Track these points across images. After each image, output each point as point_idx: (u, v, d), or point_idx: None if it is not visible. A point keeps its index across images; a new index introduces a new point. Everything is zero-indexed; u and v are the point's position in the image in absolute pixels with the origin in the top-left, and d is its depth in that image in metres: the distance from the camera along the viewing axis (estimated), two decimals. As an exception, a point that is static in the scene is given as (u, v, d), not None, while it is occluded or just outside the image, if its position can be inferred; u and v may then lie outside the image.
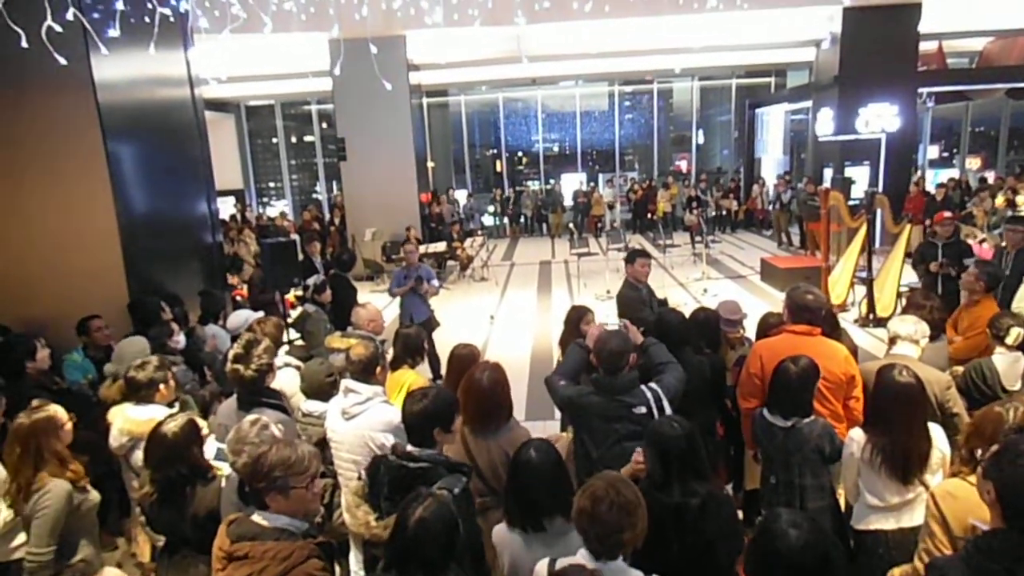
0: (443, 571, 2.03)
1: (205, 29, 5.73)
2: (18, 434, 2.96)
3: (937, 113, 20.48)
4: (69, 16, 4.12)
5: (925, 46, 15.05)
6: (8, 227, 5.33)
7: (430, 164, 19.18)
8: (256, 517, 2.27)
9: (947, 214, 7.56)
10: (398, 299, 7.47)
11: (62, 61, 4.21)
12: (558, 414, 3.54)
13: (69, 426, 3.06)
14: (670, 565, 2.35)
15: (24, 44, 3.92)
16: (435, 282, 7.67)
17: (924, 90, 15.84)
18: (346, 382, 3.35)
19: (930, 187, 15.22)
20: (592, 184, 21.55)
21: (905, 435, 2.76)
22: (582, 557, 2.14)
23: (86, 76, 5.22)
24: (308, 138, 24.32)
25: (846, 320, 8.33)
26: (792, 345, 3.41)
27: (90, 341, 4.89)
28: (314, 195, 24.33)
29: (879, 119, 12.65)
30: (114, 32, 4.62)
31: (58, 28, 4.03)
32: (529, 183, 24.12)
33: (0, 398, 3.31)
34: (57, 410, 3.05)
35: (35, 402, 3.10)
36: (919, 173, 18.19)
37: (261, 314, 5.76)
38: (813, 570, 1.77)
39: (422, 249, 12.74)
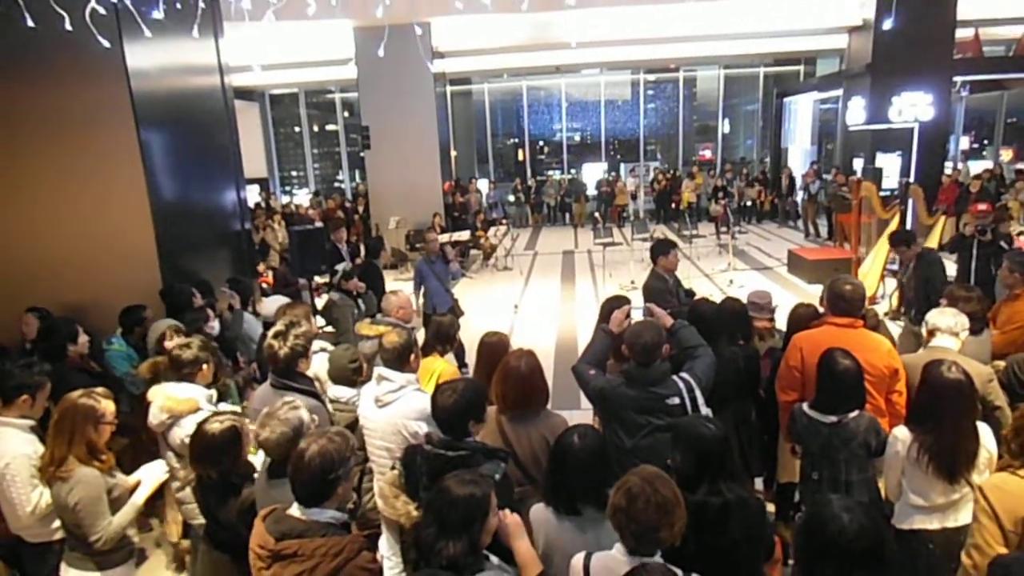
0: (456, 537, 2.02)
1: (241, 14, 5.72)
2: (61, 407, 3.00)
3: (969, 103, 20.01)
4: (109, 1, 4.13)
5: (961, 33, 14.70)
6: (44, 215, 5.41)
7: (453, 153, 19.17)
8: (295, 511, 2.22)
9: (982, 206, 7.40)
10: (421, 287, 7.48)
11: (105, 44, 4.23)
12: (584, 403, 3.52)
13: (108, 426, 3.06)
14: (691, 565, 2.29)
15: (68, 27, 3.94)
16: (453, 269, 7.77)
17: (959, 79, 15.49)
18: (379, 370, 3.35)
19: (967, 178, 14.91)
20: (615, 174, 21.38)
21: (953, 433, 2.69)
22: (618, 552, 2.11)
23: (120, 64, 5.25)
24: (331, 127, 24.41)
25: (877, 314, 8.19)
26: (834, 337, 3.34)
27: (142, 331, 4.89)
28: (336, 184, 24.43)
29: (913, 108, 12.39)
30: (158, 14, 4.63)
31: (102, 11, 4.05)
32: (551, 172, 24.00)
33: (46, 382, 3.35)
34: (108, 407, 3.06)
35: (99, 390, 3.11)
36: (952, 164, 17.82)
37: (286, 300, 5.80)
38: (865, 556, 1.72)
39: (445, 238, 12.75)
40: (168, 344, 4.16)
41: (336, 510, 2.26)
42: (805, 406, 3.13)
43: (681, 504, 2.10)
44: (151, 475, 3.23)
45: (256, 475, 2.92)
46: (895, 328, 8.09)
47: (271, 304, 5.85)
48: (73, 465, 2.94)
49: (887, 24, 11.79)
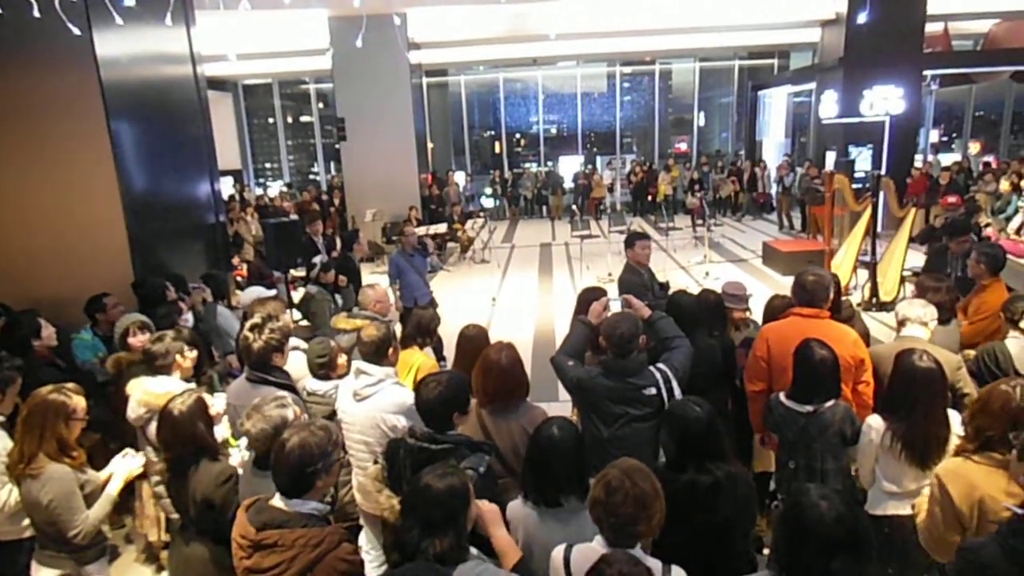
0: (443, 534, 2.02)
1: (215, 2, 5.63)
2: (31, 403, 2.95)
3: (938, 96, 20.36)
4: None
5: (931, 28, 14.93)
6: (12, 206, 5.29)
7: (429, 145, 19.06)
8: (277, 502, 2.23)
9: (952, 199, 7.54)
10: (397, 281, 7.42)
11: (76, 31, 4.13)
12: (563, 395, 3.54)
13: (79, 422, 3.02)
14: (682, 546, 2.32)
15: (36, 14, 3.84)
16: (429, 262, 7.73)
17: (929, 72, 15.73)
18: (357, 363, 3.33)
19: (937, 171, 15.17)
20: (591, 166, 21.43)
21: (925, 421, 2.75)
22: (598, 544, 2.13)
23: (89, 53, 5.14)
24: (305, 118, 24.12)
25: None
26: (800, 328, 3.38)
27: (105, 319, 4.85)
28: (311, 176, 24.18)
29: (884, 102, 12.52)
30: (129, 1, 4.53)
31: (69, -1, 3.96)
32: (528, 165, 23.99)
33: (16, 376, 3.28)
34: (79, 403, 3.02)
35: (69, 385, 3.06)
36: (923, 157, 18.12)
37: (274, 292, 5.74)
38: (843, 544, 1.74)
39: (422, 230, 12.70)
40: (132, 340, 4.11)
41: (321, 502, 2.27)
42: (782, 396, 3.16)
43: (660, 497, 2.11)
44: (124, 466, 3.18)
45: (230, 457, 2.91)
46: (866, 319, 8.25)
47: (249, 296, 5.79)
48: (43, 462, 2.89)
49: (862, 18, 11.91)
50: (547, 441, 2.46)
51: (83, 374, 4.40)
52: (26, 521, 3.08)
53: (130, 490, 4.09)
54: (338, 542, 2.16)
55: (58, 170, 5.30)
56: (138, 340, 4.10)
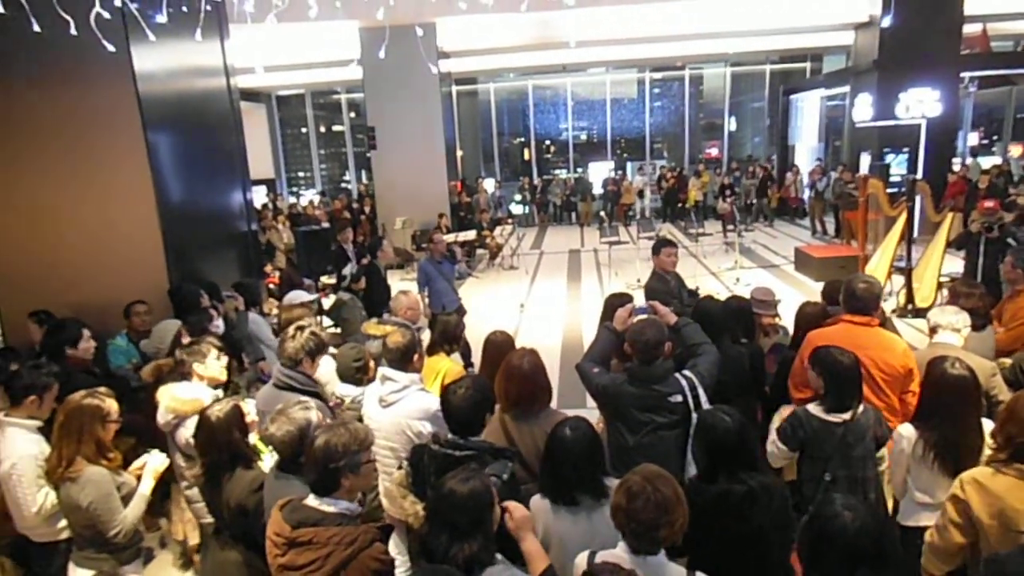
0: (471, 538, 2.04)
1: (243, 16, 5.75)
2: (66, 409, 3.03)
3: (977, 98, 19.88)
4: (116, 2, 4.16)
5: (968, 28, 14.61)
6: (53, 217, 5.44)
7: (459, 152, 19.18)
8: (312, 501, 2.28)
9: (989, 203, 7.35)
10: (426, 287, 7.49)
11: (110, 48, 4.26)
12: (591, 402, 3.54)
13: (114, 424, 3.10)
14: (718, 557, 2.31)
15: (73, 31, 3.96)
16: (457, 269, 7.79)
17: (967, 74, 15.39)
18: (383, 370, 3.37)
19: (975, 174, 14.81)
20: (621, 172, 21.36)
21: (957, 429, 2.70)
22: (621, 550, 2.12)
23: (127, 67, 5.28)
24: (337, 127, 24.48)
25: (884, 311, 8.18)
26: (850, 336, 3.32)
27: (130, 325, 4.99)
28: (343, 184, 24.50)
29: (920, 104, 12.27)
30: (161, 18, 4.66)
31: (107, 15, 4.08)
32: (557, 171, 23.99)
33: (53, 383, 3.38)
34: (112, 406, 3.10)
35: (101, 389, 3.16)
36: (960, 160, 17.70)
37: (314, 296, 5.81)
38: (867, 555, 1.72)
39: (451, 238, 12.78)
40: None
41: (353, 503, 2.33)
42: (811, 408, 3.04)
43: (683, 502, 2.10)
44: (151, 465, 3.25)
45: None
46: (902, 326, 8.07)
47: (289, 299, 5.89)
48: (81, 465, 2.97)
49: (885, 22, 11.71)
50: (559, 441, 2.49)
51: (118, 380, 4.51)
52: (62, 523, 3.17)
53: (165, 493, 4.19)
54: (371, 541, 2.20)
55: (98, 182, 5.45)
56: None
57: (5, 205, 5.42)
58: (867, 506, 1.83)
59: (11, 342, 5.27)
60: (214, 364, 3.67)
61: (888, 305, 8.90)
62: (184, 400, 3.49)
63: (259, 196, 17.72)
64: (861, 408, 2.98)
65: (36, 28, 3.92)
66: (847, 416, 2.94)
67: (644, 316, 3.49)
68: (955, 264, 8.73)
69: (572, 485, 2.45)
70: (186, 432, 3.40)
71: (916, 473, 2.84)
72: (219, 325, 4.96)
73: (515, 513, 2.26)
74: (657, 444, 3.05)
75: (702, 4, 14.72)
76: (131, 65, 5.30)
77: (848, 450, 2.95)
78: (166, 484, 4.05)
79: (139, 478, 3.20)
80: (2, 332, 5.60)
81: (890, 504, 3.20)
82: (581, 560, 2.22)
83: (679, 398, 3.07)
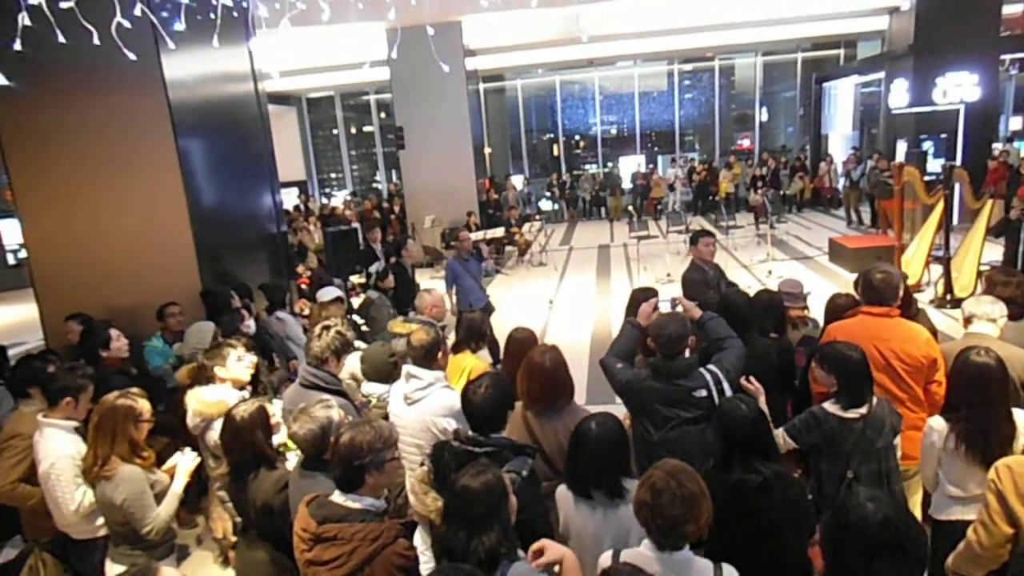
0: (489, 529, 2.03)
1: (265, 20, 5.84)
2: (100, 409, 3.11)
3: (1019, 81, 19.22)
4: (137, 12, 4.24)
5: (1009, 9, 14.14)
6: (88, 221, 5.61)
7: (487, 150, 19.21)
8: (337, 498, 2.31)
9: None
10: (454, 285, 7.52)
11: (131, 56, 4.35)
12: (619, 398, 3.53)
13: (147, 423, 3.18)
14: (733, 548, 2.28)
15: (96, 41, 4.06)
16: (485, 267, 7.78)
17: (1007, 56, 14.91)
18: (408, 368, 3.39)
19: (1015, 160, 14.34)
20: (651, 166, 21.16)
21: (986, 419, 2.62)
22: (646, 548, 2.11)
23: (157, 74, 5.41)
24: (367, 128, 24.69)
25: (921, 301, 7.97)
26: (869, 327, 3.26)
27: (165, 326, 5.11)
28: (374, 184, 24.71)
29: (958, 89, 11.96)
30: (179, 26, 4.75)
31: (127, 24, 4.17)
32: (587, 166, 23.88)
33: (88, 384, 3.48)
34: (144, 406, 3.18)
35: (134, 390, 3.24)
36: (1001, 145, 17.17)
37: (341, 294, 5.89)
38: (887, 547, 1.69)
39: (480, 235, 12.81)
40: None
41: (378, 500, 2.35)
42: (828, 407, 2.96)
43: (707, 497, 2.08)
44: (183, 463, 3.32)
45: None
46: (940, 316, 7.86)
47: (325, 295, 5.97)
48: (116, 464, 3.04)
49: (921, 5, 11.38)
50: (582, 436, 2.50)
51: (154, 380, 4.62)
52: (100, 521, 3.26)
53: (202, 490, 4.28)
54: (395, 537, 2.23)
55: (131, 188, 5.60)
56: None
57: (44, 212, 5.61)
58: (890, 498, 1.78)
59: (52, 345, 5.45)
60: (235, 365, 3.73)
61: (926, 295, 8.69)
62: (209, 403, 3.57)
63: (290, 198, 17.99)
64: (875, 400, 2.92)
65: (61, 39, 4.01)
66: (864, 410, 2.88)
67: (667, 310, 3.46)
68: (996, 252, 8.49)
69: (589, 481, 2.46)
70: (214, 434, 3.47)
71: (948, 466, 2.77)
72: (250, 325, 5.05)
73: (566, 559, 2.17)
74: (682, 439, 3.02)
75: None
76: (161, 72, 5.43)
77: (869, 444, 2.89)
78: (203, 482, 4.15)
79: (172, 477, 3.28)
80: (44, 334, 5.79)
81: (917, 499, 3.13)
82: (605, 559, 2.20)
83: (703, 392, 3.04)
